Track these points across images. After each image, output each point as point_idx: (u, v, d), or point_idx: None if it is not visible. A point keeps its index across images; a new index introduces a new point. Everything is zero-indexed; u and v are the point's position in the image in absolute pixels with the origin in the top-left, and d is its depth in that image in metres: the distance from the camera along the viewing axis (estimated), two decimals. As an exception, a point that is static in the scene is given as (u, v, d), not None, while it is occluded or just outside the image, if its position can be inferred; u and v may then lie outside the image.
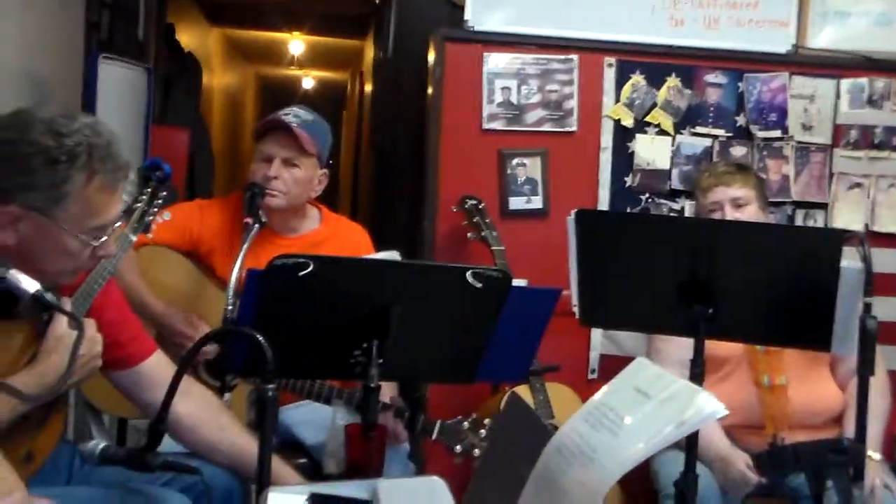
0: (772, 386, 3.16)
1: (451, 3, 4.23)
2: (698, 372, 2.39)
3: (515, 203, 4.03)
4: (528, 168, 4.02)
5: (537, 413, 3.36)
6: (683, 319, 2.42)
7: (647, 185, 4.09)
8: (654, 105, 4.08)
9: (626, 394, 1.43)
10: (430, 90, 4.07)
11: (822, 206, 4.17)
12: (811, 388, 3.19)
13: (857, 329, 2.27)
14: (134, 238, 2.75)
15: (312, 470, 3.05)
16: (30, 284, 1.61)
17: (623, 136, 4.09)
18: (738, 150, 4.11)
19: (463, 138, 4.01)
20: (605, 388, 1.50)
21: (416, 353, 2.32)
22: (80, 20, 4.84)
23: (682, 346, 2.68)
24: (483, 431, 2.92)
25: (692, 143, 4.10)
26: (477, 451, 2.89)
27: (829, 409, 3.20)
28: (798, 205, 4.16)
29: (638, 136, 4.09)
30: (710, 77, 4.12)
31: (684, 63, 4.11)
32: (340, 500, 1.69)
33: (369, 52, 8.93)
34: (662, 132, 4.10)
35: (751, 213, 3.31)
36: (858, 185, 4.15)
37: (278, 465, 2.23)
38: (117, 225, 2.17)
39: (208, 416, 2.42)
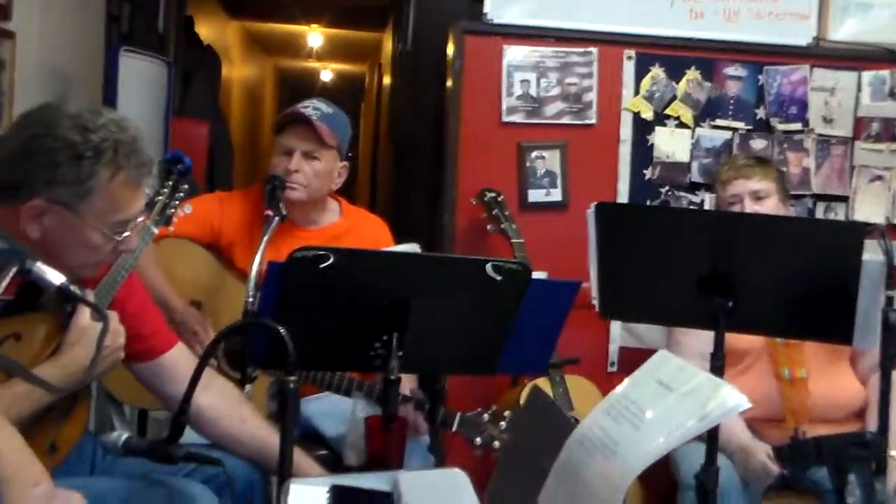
0: (792, 379, 3.15)
1: (471, -5, 4.22)
2: (718, 365, 2.39)
3: (534, 196, 4.02)
4: (548, 161, 4.02)
5: (557, 406, 3.36)
6: (703, 312, 2.41)
7: (666, 177, 4.08)
8: (674, 98, 4.07)
9: (648, 387, 1.43)
10: (449, 83, 4.07)
11: (843, 199, 4.15)
12: (832, 381, 3.18)
13: (880, 323, 2.26)
14: (155, 231, 2.77)
15: (333, 462, 3.05)
16: (55, 277, 1.63)
17: (643, 128, 4.08)
18: (758, 143, 4.10)
19: (482, 131, 4.01)
20: (627, 381, 1.50)
21: (436, 345, 2.32)
22: (101, 13, 4.87)
23: (701, 339, 2.68)
24: (503, 423, 2.92)
25: (712, 135, 4.09)
26: (496, 444, 2.88)
27: (850, 403, 3.19)
28: (819, 198, 4.14)
29: (657, 128, 4.08)
30: (730, 70, 4.11)
31: (704, 56, 4.09)
32: (361, 492, 1.70)
33: (388, 45, 8.93)
34: (682, 125, 4.09)
35: (770, 205, 3.30)
36: (880, 177, 4.13)
37: (299, 456, 2.23)
38: (140, 220, 2.18)
39: (230, 408, 2.43)
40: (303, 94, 3.94)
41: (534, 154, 4.01)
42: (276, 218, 2.93)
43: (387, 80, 8.92)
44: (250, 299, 2.66)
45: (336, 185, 3.30)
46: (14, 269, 1.51)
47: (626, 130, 4.07)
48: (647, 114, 4.07)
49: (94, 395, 3.17)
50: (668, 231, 2.50)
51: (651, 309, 2.63)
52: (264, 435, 2.40)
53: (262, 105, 14.46)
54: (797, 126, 4.11)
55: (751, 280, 2.38)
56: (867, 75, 4.12)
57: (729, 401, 1.34)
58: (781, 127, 4.10)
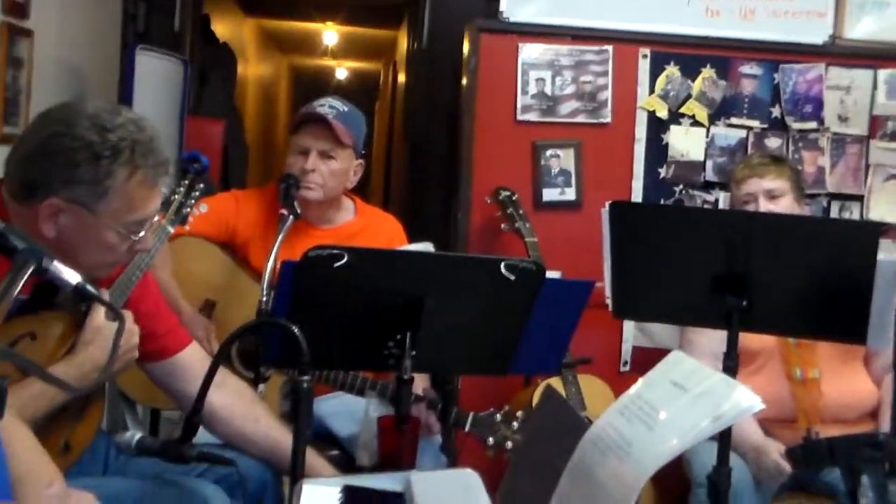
0: (804, 379, 3.14)
1: (486, -7, 4.22)
2: (732, 365, 2.38)
3: (549, 195, 4.02)
4: (562, 159, 4.02)
5: (570, 405, 3.36)
6: (717, 312, 2.41)
7: (681, 176, 4.07)
8: (689, 96, 4.06)
9: (662, 387, 1.42)
10: (464, 81, 4.07)
11: (858, 199, 4.13)
12: (845, 382, 3.17)
13: (894, 323, 2.25)
14: (171, 230, 2.77)
15: (345, 462, 3.05)
16: (72, 276, 1.63)
17: (657, 127, 4.07)
18: (773, 142, 4.08)
19: (497, 129, 4.01)
20: (641, 381, 1.49)
21: (450, 344, 2.32)
22: (118, 12, 4.89)
23: (714, 339, 2.68)
24: (515, 424, 2.91)
25: (727, 134, 4.08)
26: (509, 444, 2.88)
27: (863, 403, 3.18)
28: (833, 197, 4.12)
29: (672, 127, 4.07)
30: (746, 68, 4.09)
31: (719, 54, 4.08)
32: (374, 492, 1.70)
33: (403, 43, 8.93)
34: (697, 123, 4.07)
35: (785, 205, 3.29)
36: (895, 176, 4.11)
37: (312, 457, 2.24)
38: (155, 219, 2.19)
39: (243, 408, 2.43)
40: (317, 93, 3.94)
41: (548, 153, 4.01)
42: (291, 217, 2.94)
43: (401, 78, 8.94)
44: (264, 298, 2.67)
45: (351, 183, 3.30)
46: (31, 268, 1.52)
47: (640, 129, 4.06)
48: (662, 112, 4.06)
49: (108, 394, 3.19)
50: (683, 230, 2.49)
51: (665, 308, 2.62)
52: (277, 435, 2.40)
53: (277, 103, 14.49)
54: (812, 125, 4.09)
55: (765, 279, 2.38)
56: (883, 74, 4.10)
57: (743, 402, 1.34)
58: (796, 126, 4.08)
